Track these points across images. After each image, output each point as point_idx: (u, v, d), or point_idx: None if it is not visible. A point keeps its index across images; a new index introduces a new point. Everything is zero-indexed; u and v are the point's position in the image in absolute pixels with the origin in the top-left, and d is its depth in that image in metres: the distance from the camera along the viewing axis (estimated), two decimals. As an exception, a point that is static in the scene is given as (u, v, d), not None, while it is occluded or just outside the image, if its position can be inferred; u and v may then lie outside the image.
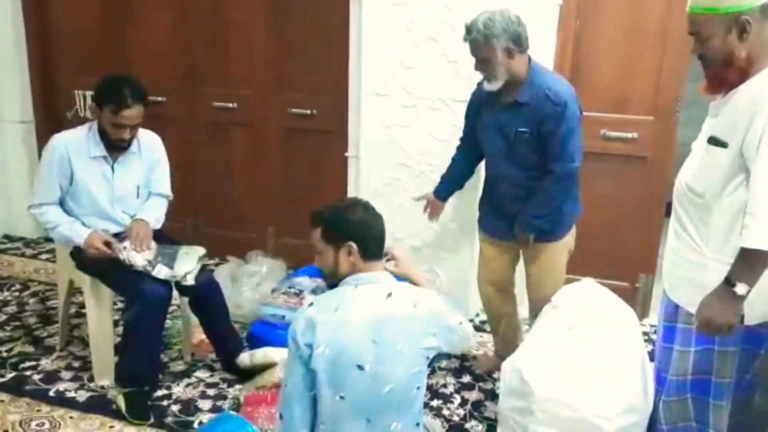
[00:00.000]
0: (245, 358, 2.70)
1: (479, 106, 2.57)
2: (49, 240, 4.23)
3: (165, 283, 2.50)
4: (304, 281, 3.30)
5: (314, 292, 3.25)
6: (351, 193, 3.57)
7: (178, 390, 2.65)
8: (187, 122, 3.92)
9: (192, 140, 3.93)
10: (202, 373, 2.78)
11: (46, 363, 2.80)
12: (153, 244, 2.58)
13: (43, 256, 4.02)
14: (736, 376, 1.88)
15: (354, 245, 1.73)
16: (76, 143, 2.53)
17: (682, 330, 1.89)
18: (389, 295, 1.70)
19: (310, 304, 1.70)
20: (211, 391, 2.65)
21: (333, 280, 1.80)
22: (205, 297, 2.69)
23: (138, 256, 2.48)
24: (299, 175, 3.82)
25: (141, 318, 2.43)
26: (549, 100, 2.32)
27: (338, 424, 1.65)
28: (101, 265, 2.51)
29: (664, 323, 1.99)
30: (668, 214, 3.07)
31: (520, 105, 2.38)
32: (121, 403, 2.46)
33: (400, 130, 3.27)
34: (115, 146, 2.57)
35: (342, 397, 1.63)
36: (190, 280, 2.55)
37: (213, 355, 2.85)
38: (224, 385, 2.70)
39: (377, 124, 3.31)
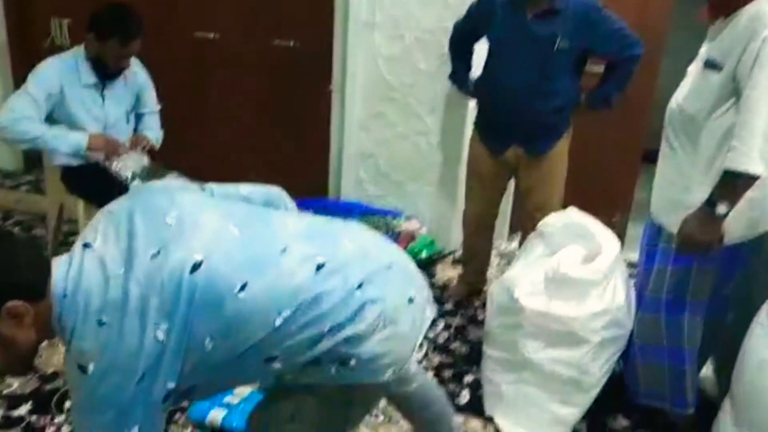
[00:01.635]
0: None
1: (491, 15, 2.51)
2: (28, 171, 4.19)
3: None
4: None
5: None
6: (335, 128, 3.57)
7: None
8: (167, 60, 3.79)
9: (170, 83, 3.77)
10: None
11: (37, 287, 2.80)
12: (146, 159, 2.60)
13: (23, 188, 3.98)
14: (710, 295, 1.99)
15: (22, 303, 1.08)
16: (68, 71, 2.49)
17: (662, 249, 1.99)
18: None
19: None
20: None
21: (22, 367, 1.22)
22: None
23: (128, 166, 2.50)
24: (281, 116, 3.77)
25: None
26: (588, 6, 2.41)
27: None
28: (94, 188, 2.51)
29: (647, 246, 2.09)
30: (645, 159, 3.22)
31: (556, 12, 2.40)
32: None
33: (386, 62, 3.27)
34: (108, 74, 2.55)
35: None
36: None
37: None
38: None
39: (363, 56, 3.30)
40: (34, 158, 4.13)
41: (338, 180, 3.65)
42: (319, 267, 1.20)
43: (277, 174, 3.87)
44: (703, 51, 1.87)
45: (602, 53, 2.56)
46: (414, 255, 3.08)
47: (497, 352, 2.19)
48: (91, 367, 1.07)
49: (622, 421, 2.22)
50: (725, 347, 2.07)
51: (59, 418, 2.05)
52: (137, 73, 2.73)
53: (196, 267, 1.11)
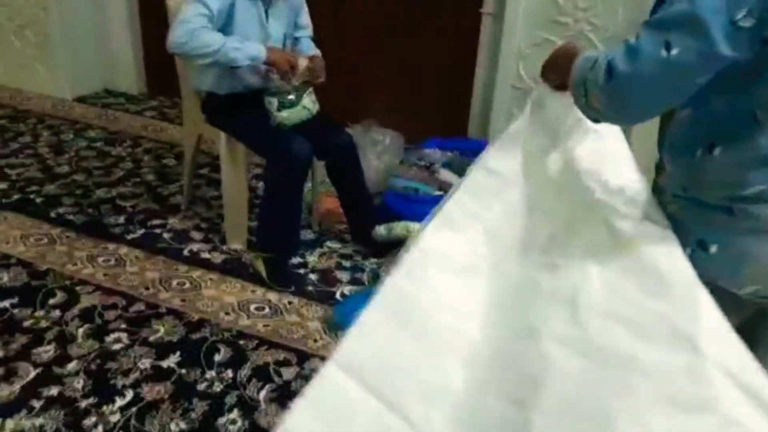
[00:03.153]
0: (382, 230, 2.48)
1: None
2: (152, 97, 4.05)
3: (308, 144, 2.24)
4: (434, 154, 3.04)
5: (447, 165, 2.98)
6: (484, 57, 3.19)
7: (313, 259, 2.48)
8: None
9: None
10: (333, 244, 2.59)
11: (174, 222, 2.64)
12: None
13: (148, 113, 3.84)
14: None
15: None
16: None
17: None
18: None
19: None
20: (346, 263, 2.47)
21: None
22: (345, 161, 2.44)
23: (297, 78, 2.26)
24: (418, 39, 3.36)
25: (284, 179, 2.20)
26: None
27: None
28: (240, 119, 2.27)
29: None
30: None
31: None
32: (261, 267, 2.29)
33: (556, -20, 2.82)
34: None
35: None
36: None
37: (340, 226, 2.66)
38: (359, 258, 2.51)
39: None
40: (159, 83, 4.00)
41: (482, 118, 3.29)
42: None
43: (406, 104, 3.57)
44: None
45: None
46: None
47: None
48: None
49: None
50: None
51: (210, 373, 1.88)
52: None
53: None
